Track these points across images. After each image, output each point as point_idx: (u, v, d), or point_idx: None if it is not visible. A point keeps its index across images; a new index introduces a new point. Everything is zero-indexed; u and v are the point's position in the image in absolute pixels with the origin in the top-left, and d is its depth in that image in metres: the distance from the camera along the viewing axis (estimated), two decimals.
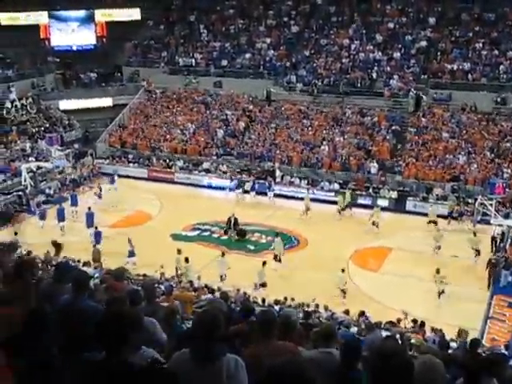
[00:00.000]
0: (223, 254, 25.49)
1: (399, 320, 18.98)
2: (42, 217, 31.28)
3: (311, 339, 6.57)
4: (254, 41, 47.11)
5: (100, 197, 35.04)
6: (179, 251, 24.65)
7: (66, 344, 4.60)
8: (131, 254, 26.36)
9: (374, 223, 30.57)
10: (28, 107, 42.44)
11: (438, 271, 23.74)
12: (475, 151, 35.56)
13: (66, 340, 4.63)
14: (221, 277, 24.11)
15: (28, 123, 41.85)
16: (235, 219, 29.95)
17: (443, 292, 23.42)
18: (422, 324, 18.62)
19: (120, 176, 38.65)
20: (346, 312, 19.29)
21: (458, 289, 23.98)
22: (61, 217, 30.58)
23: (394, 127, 38.50)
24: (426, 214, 31.56)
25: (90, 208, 31.17)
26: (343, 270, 24.23)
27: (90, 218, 30.16)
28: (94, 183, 37.94)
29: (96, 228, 28.65)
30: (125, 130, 43.67)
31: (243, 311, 7.67)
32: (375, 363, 3.60)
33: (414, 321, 18.96)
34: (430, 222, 30.77)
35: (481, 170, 34.20)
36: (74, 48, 48.00)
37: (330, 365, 5.04)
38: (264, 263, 24.65)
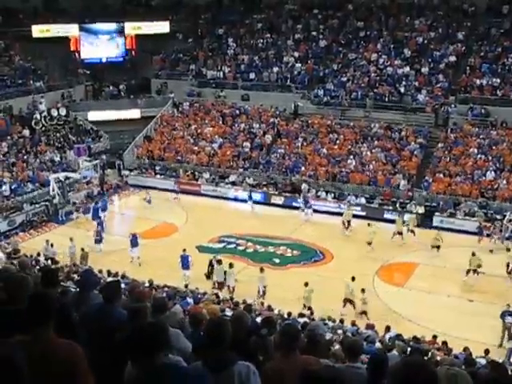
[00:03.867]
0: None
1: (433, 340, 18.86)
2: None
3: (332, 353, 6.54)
4: (282, 54, 47.19)
5: (149, 202, 36.35)
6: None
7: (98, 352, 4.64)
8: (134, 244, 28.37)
9: (410, 231, 30.80)
10: (57, 118, 42.97)
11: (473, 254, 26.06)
12: (504, 167, 35.20)
13: (98, 347, 4.67)
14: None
15: (57, 134, 42.36)
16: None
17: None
18: (445, 343, 18.39)
19: (147, 187, 39.10)
20: (372, 327, 19.15)
21: (484, 305, 23.74)
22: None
23: (422, 142, 38.26)
24: (453, 230, 31.33)
25: (97, 202, 34.38)
26: (353, 279, 23.88)
27: (95, 212, 32.88)
28: (120, 195, 38.41)
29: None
30: (152, 141, 43.96)
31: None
32: (399, 376, 3.56)
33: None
34: (397, 233, 30.91)
35: (510, 186, 33.82)
36: (104, 60, 48.52)
37: (357, 379, 5.00)
38: (220, 261, 25.83)
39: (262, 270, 25.16)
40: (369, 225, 31.21)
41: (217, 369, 4.36)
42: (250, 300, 21.33)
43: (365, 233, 30.62)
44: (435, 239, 29.17)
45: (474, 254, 26.39)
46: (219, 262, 25.85)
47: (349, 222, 32.33)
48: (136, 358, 4.25)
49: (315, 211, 34.59)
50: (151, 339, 4.28)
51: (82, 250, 27.23)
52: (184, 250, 26.42)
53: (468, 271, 25.99)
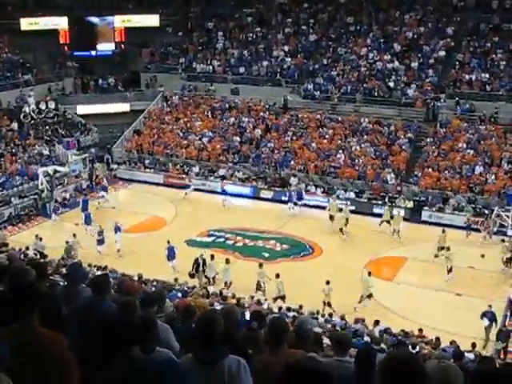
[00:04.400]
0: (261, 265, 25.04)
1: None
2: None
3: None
4: (272, 48, 47.13)
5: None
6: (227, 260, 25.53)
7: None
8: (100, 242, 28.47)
9: (394, 230, 30.55)
10: (46, 111, 42.77)
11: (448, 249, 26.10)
12: (492, 162, 35.35)
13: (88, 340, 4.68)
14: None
15: (46, 127, 42.17)
16: (203, 260, 25.65)
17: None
18: (438, 339, 18.37)
19: (136, 181, 39.09)
20: (362, 320, 19.20)
21: (473, 300, 23.84)
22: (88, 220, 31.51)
23: (411, 137, 38.36)
24: (442, 225, 31.42)
25: (86, 194, 34.88)
26: (370, 274, 24.18)
27: (85, 204, 32.83)
28: (109, 188, 38.33)
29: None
30: (141, 135, 43.84)
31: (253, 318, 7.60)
32: (387, 369, 3.56)
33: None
34: (382, 221, 31.35)
35: (498, 181, 33.99)
36: (93, 53, 48.29)
37: (345, 372, 5.00)
38: (212, 257, 25.70)
39: (260, 265, 24.94)
40: (340, 210, 31.85)
41: (207, 362, 4.37)
42: (242, 295, 21.36)
43: (353, 225, 30.86)
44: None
45: (448, 249, 26.41)
46: (212, 257, 25.73)
47: (332, 216, 32.08)
48: (126, 350, 4.25)
49: (305, 205, 34.60)
50: (141, 331, 4.30)
51: (67, 242, 27.13)
52: (168, 242, 26.64)
53: (449, 269, 25.99)
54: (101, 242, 28.46)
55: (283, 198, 35.73)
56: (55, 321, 4.77)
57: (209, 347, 4.44)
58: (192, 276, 25.22)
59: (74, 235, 27.72)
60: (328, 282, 23.19)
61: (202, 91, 46.28)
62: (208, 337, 4.47)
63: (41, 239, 27.15)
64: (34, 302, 4.31)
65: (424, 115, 39.55)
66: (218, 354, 4.44)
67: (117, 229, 28.88)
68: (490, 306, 21.54)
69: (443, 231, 28.79)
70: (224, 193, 36.71)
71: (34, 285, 4.54)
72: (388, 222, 31.39)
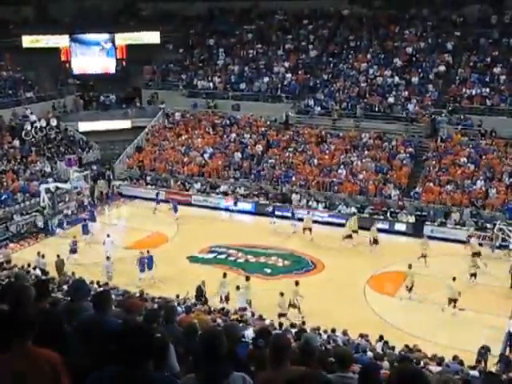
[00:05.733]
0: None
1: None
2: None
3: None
4: (273, 65, 47.29)
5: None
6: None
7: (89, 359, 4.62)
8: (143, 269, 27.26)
9: (423, 255, 29.43)
10: (47, 129, 42.90)
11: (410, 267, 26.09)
12: (494, 176, 35.36)
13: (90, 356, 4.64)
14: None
15: (48, 144, 42.26)
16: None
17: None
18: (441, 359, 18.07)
19: (138, 198, 39.06)
20: (366, 336, 19.10)
21: (477, 315, 23.78)
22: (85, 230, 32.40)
23: (412, 152, 38.38)
24: (444, 239, 31.41)
25: (91, 206, 36.39)
26: (454, 279, 24.27)
27: (92, 215, 34.38)
28: (111, 205, 38.26)
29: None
30: (142, 152, 43.92)
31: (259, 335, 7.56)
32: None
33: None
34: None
35: (499, 195, 33.97)
36: (94, 71, 48.43)
37: None
38: (225, 275, 25.18)
39: (297, 283, 24.36)
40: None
41: (211, 382, 4.30)
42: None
43: (355, 241, 30.87)
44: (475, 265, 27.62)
45: (410, 267, 26.15)
46: (224, 275, 25.24)
47: (350, 235, 31.98)
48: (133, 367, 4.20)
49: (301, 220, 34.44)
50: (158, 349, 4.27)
51: (58, 256, 27.00)
52: (148, 252, 27.23)
53: (409, 288, 25.67)
54: (142, 270, 27.13)
55: (285, 214, 35.68)
56: (56, 338, 4.75)
57: (212, 365, 4.37)
58: (206, 301, 23.96)
59: (108, 258, 27.34)
60: (282, 294, 23.20)
61: (203, 108, 46.38)
62: (212, 354, 4.40)
63: (43, 256, 27.07)
64: (29, 325, 4.27)
65: (431, 130, 39.51)
66: (222, 372, 4.37)
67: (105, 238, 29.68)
68: (482, 346, 19.74)
69: (473, 255, 28.36)
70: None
71: (28, 309, 4.50)
72: (353, 232, 31.81)
